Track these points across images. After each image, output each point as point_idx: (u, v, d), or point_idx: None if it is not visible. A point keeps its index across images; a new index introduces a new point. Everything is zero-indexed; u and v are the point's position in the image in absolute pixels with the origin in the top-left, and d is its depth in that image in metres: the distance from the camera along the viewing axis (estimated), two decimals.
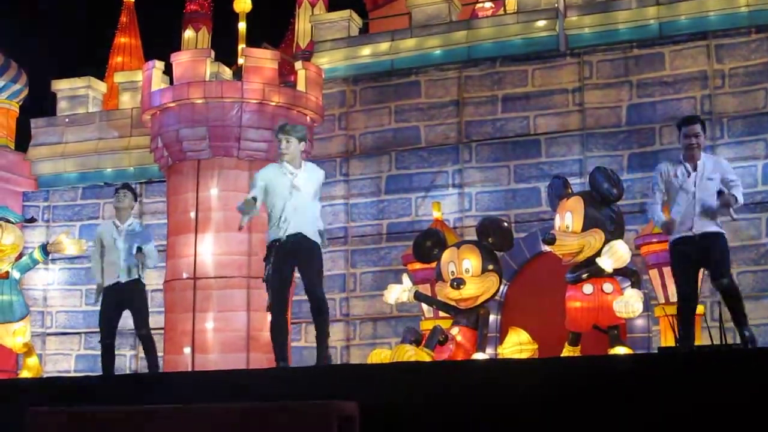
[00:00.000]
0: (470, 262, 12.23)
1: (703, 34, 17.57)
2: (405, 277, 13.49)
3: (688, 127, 9.93)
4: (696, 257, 9.84)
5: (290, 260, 9.91)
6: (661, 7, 17.94)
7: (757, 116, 16.87)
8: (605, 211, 11.71)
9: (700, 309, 14.31)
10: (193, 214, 17.29)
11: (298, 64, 18.62)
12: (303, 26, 23.85)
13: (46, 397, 9.16)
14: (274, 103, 17.56)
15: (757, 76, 17.12)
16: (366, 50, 19.79)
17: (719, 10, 17.52)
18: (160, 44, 26.31)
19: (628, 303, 11.31)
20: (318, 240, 9.96)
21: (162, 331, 17.78)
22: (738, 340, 9.80)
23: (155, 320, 19.43)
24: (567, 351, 11.82)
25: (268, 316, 10.14)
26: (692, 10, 17.70)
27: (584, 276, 11.66)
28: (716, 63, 17.40)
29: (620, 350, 11.32)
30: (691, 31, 17.66)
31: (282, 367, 9.81)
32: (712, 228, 9.79)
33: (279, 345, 10.06)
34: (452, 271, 12.30)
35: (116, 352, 12.46)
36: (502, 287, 14.50)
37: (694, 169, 9.85)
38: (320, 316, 9.96)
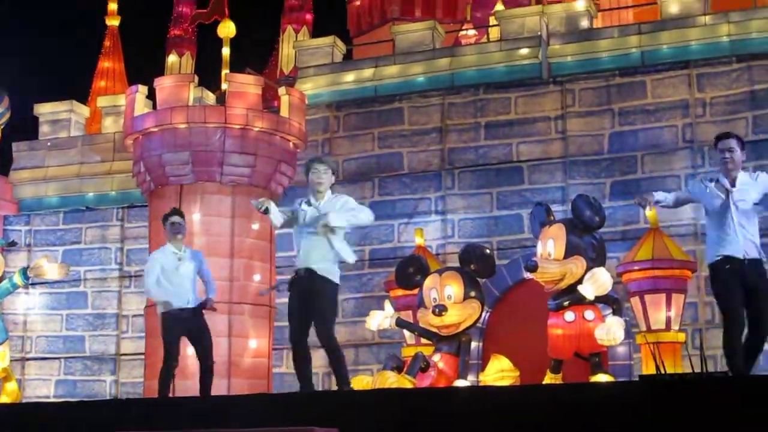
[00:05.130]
0: (452, 288, 12.24)
1: (684, 63, 17.68)
2: (387, 304, 13.48)
3: (721, 141, 9.69)
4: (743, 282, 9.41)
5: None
6: (643, 36, 18.05)
7: None
8: (587, 239, 11.75)
9: (681, 336, 14.40)
10: None
11: (281, 90, 18.62)
12: (287, 52, 23.92)
13: (25, 423, 9.11)
14: (257, 129, 17.56)
15: (738, 105, 17.21)
16: (349, 76, 19.84)
17: (701, 40, 17.64)
18: (143, 69, 26.30)
19: (610, 330, 11.32)
20: (329, 275, 9.99)
21: (143, 356, 17.74)
22: (718, 368, 9.77)
23: (137, 345, 19.50)
24: (549, 378, 11.82)
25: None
26: (674, 39, 17.82)
27: (566, 303, 11.67)
28: (698, 92, 17.49)
29: (602, 378, 11.33)
30: (673, 60, 17.78)
31: (262, 393, 9.79)
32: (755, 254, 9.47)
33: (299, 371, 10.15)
34: (434, 298, 12.30)
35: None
36: (484, 314, 14.49)
37: (733, 185, 9.56)
38: (329, 356, 10.18)
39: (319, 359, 18.24)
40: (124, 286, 20.55)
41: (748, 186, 9.56)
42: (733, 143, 9.61)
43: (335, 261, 10.09)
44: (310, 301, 9.94)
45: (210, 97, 20.47)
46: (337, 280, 10.07)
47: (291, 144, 18.19)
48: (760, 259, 9.50)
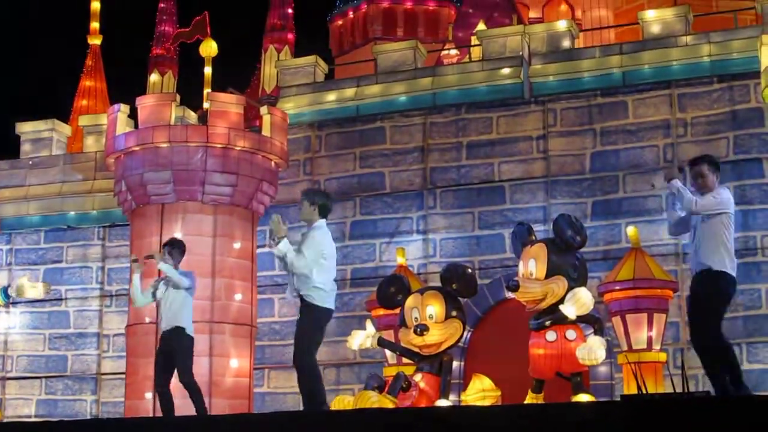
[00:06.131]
0: (434, 308, 12.21)
1: (665, 83, 17.75)
2: (368, 323, 13.45)
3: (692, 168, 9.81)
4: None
5: None
6: (625, 56, 18.12)
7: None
8: (568, 258, 11.73)
9: (662, 356, 14.41)
10: None
11: (263, 109, 18.62)
12: (269, 71, 23.90)
13: None
14: (238, 148, 17.54)
15: (719, 125, 17.28)
16: (331, 96, 19.84)
17: (682, 60, 17.71)
18: (125, 88, 26.31)
19: (591, 350, 11.29)
20: (312, 299, 10.31)
21: (124, 376, 17.67)
22: (700, 388, 9.79)
23: (118, 365, 19.41)
24: (530, 398, 11.79)
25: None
26: (655, 59, 17.89)
27: (547, 323, 11.65)
28: (679, 112, 17.56)
29: (583, 397, 11.31)
30: (654, 80, 17.85)
31: (243, 413, 9.80)
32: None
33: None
34: (416, 318, 12.27)
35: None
36: (465, 334, 14.48)
37: None
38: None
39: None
40: (105, 305, 20.47)
41: None
42: (704, 169, 9.77)
43: (311, 287, 10.32)
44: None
45: (192, 116, 20.45)
46: (317, 303, 10.33)
47: (272, 163, 18.18)
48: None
